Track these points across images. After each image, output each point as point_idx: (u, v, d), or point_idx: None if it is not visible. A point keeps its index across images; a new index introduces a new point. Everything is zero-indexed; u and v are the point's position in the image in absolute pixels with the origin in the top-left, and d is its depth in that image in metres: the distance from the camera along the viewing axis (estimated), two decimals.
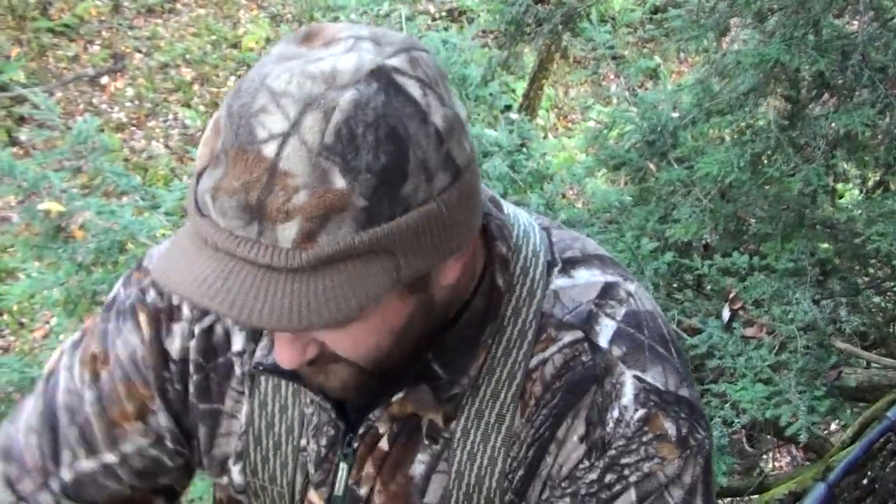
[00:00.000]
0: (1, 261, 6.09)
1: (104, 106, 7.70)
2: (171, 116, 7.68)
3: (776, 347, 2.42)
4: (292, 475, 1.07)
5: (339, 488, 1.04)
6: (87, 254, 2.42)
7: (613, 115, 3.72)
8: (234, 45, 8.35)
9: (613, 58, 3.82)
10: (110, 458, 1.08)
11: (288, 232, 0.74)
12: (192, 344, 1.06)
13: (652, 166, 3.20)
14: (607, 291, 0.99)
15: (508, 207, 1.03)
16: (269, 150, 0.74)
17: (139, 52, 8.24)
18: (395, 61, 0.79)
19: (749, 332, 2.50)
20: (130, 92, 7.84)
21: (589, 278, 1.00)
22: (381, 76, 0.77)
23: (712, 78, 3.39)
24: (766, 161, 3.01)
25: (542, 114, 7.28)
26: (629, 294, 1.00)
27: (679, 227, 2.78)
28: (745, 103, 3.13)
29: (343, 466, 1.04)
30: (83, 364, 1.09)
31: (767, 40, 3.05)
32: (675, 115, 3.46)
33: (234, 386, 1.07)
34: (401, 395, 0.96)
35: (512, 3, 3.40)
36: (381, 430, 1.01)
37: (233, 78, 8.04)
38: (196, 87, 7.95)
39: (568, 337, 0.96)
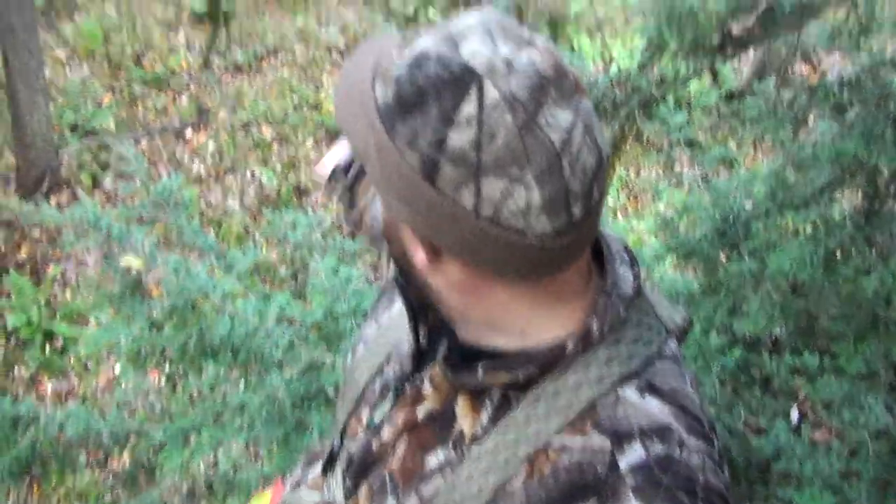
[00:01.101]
0: (74, 303, 6.26)
1: (186, 158, 7.93)
2: (248, 174, 7.87)
3: (846, 454, 2.33)
4: (365, 383, 1.20)
5: (376, 417, 1.14)
6: (162, 311, 2.48)
7: (685, 201, 3.69)
8: (315, 107, 8.56)
9: (688, 143, 3.80)
10: None
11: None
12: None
13: (723, 257, 3.16)
14: (661, 431, 0.95)
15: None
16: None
17: (224, 108, 8.51)
18: (491, 91, 0.90)
19: (818, 435, 2.43)
20: (212, 146, 8.07)
21: (656, 412, 0.97)
22: (469, 75, 0.88)
23: (787, 169, 3.35)
24: (840, 258, 2.95)
25: (613, 193, 7.26)
26: (681, 444, 0.95)
27: (748, 321, 2.73)
28: (820, 198, 3.09)
29: (390, 399, 1.13)
30: None
31: (846, 133, 3.02)
32: (749, 205, 3.42)
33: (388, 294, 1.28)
34: (439, 357, 1.06)
35: (590, 87, 3.43)
36: (425, 392, 1.08)
37: (311, 139, 8.24)
38: (275, 146, 8.15)
39: (597, 441, 0.95)
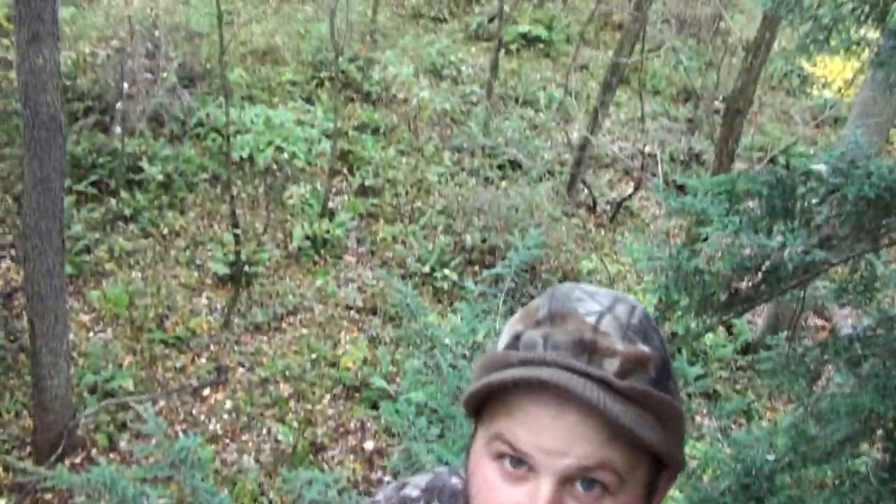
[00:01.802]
0: None
1: (203, 417, 7.95)
2: (265, 431, 7.85)
3: None
4: None
5: None
6: None
7: (706, 453, 3.66)
8: (333, 364, 8.67)
9: (706, 396, 3.82)
10: None
11: (612, 365, 0.99)
12: None
13: None
14: None
15: None
16: (591, 318, 1.03)
17: (242, 366, 8.63)
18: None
19: None
20: (229, 405, 8.11)
21: None
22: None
23: (807, 421, 3.34)
24: None
25: None
26: None
27: None
28: (842, 451, 3.06)
29: None
30: None
31: (862, 386, 3.04)
32: (771, 457, 3.38)
33: None
34: None
35: None
36: None
37: (328, 395, 8.28)
38: (292, 403, 8.19)
39: None
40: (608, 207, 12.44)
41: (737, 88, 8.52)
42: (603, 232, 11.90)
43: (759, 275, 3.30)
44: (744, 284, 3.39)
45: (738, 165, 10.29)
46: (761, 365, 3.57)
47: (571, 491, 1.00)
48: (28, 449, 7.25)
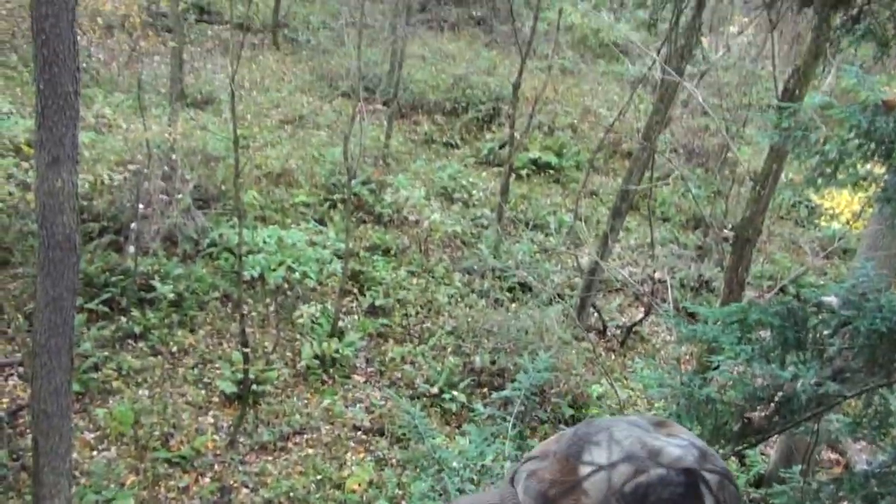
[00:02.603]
0: None
1: None
2: None
3: None
4: None
5: None
6: None
7: None
8: (338, 486, 8.53)
9: None
10: None
11: None
12: None
13: None
14: None
15: None
16: (584, 469, 1.01)
17: (246, 486, 8.49)
18: (710, 476, 1.01)
19: None
20: None
21: None
22: (691, 477, 0.99)
23: None
24: None
25: None
26: None
27: None
28: None
29: None
30: None
31: None
32: None
33: None
34: None
35: None
36: None
37: None
38: None
39: None
40: (618, 332, 12.43)
41: (745, 217, 8.62)
42: (613, 356, 11.86)
43: (772, 406, 3.28)
44: (756, 415, 3.37)
45: (748, 293, 10.32)
46: (775, 499, 3.51)
47: None
48: None
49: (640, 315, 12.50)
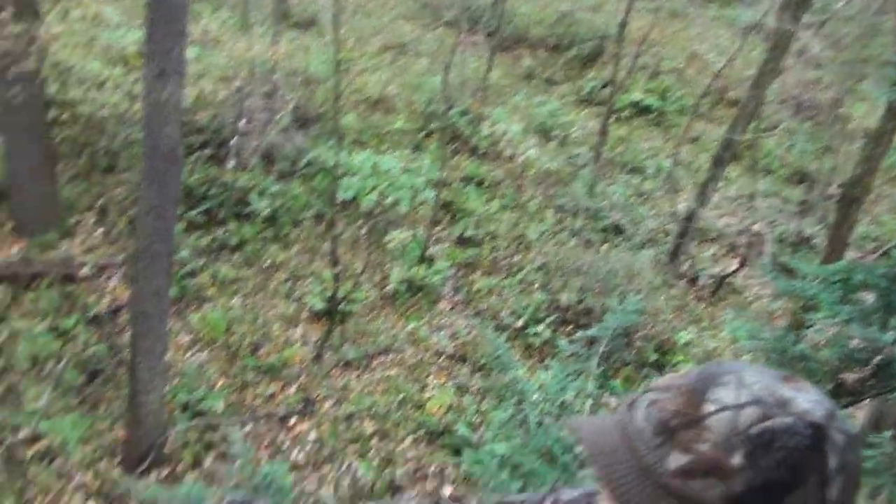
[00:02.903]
0: None
1: (286, 445, 8.08)
2: (345, 465, 7.93)
3: None
4: None
5: None
6: None
7: None
8: (418, 407, 8.73)
9: None
10: None
11: (678, 460, 0.98)
12: None
13: None
14: None
15: None
16: (710, 407, 0.99)
17: (329, 399, 8.75)
18: (837, 436, 0.99)
19: None
20: (313, 436, 8.23)
21: None
22: (819, 432, 0.98)
23: None
24: None
25: None
26: None
27: None
28: None
29: None
30: None
31: None
32: None
33: None
34: None
35: None
36: None
37: (411, 437, 8.32)
38: (375, 440, 8.26)
39: None
40: (710, 282, 12.23)
41: (855, 176, 8.32)
42: (703, 306, 11.70)
43: (868, 369, 3.22)
44: (851, 376, 3.32)
45: (850, 254, 10.02)
46: (863, 463, 3.46)
47: None
48: (117, 459, 7.48)
49: (734, 266, 12.26)
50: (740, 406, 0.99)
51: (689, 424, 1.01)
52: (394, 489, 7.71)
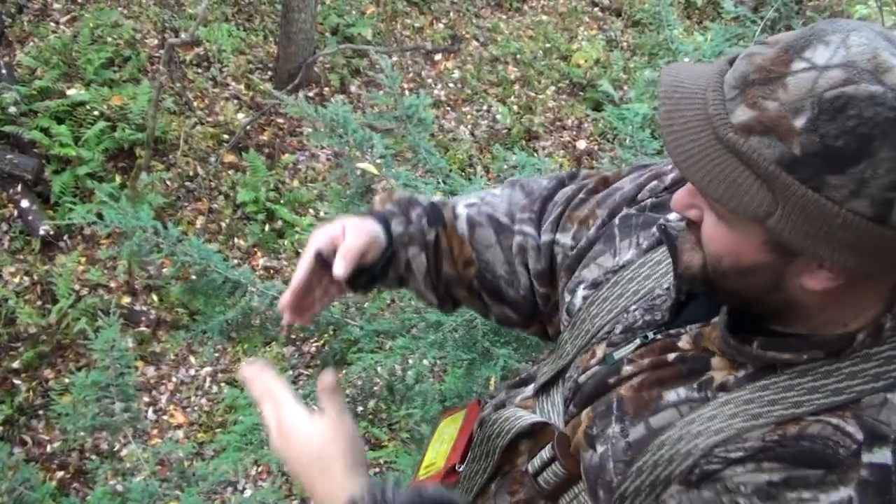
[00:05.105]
0: (299, 191, 6.67)
1: (430, 81, 8.16)
2: (485, 107, 8.00)
3: None
4: (604, 322, 1.26)
5: (618, 354, 1.20)
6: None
7: None
8: (564, 58, 8.53)
9: None
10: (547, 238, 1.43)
11: (743, 115, 0.91)
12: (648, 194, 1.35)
13: None
14: None
15: None
16: (797, 65, 0.89)
17: (477, 40, 8.65)
18: None
19: None
20: (457, 74, 8.25)
21: None
22: None
23: None
24: None
25: None
26: None
27: None
28: None
29: (636, 342, 1.19)
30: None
31: None
32: None
33: (642, 234, 1.29)
34: (714, 321, 1.10)
35: None
36: (681, 344, 1.14)
37: (553, 88, 8.25)
38: (517, 87, 8.22)
39: (851, 429, 0.98)
40: None
41: None
42: None
43: None
44: None
45: None
46: None
47: None
48: (269, 74, 7.75)
49: None
50: (827, 67, 0.87)
51: (766, 81, 0.90)
52: (530, 136, 7.79)
